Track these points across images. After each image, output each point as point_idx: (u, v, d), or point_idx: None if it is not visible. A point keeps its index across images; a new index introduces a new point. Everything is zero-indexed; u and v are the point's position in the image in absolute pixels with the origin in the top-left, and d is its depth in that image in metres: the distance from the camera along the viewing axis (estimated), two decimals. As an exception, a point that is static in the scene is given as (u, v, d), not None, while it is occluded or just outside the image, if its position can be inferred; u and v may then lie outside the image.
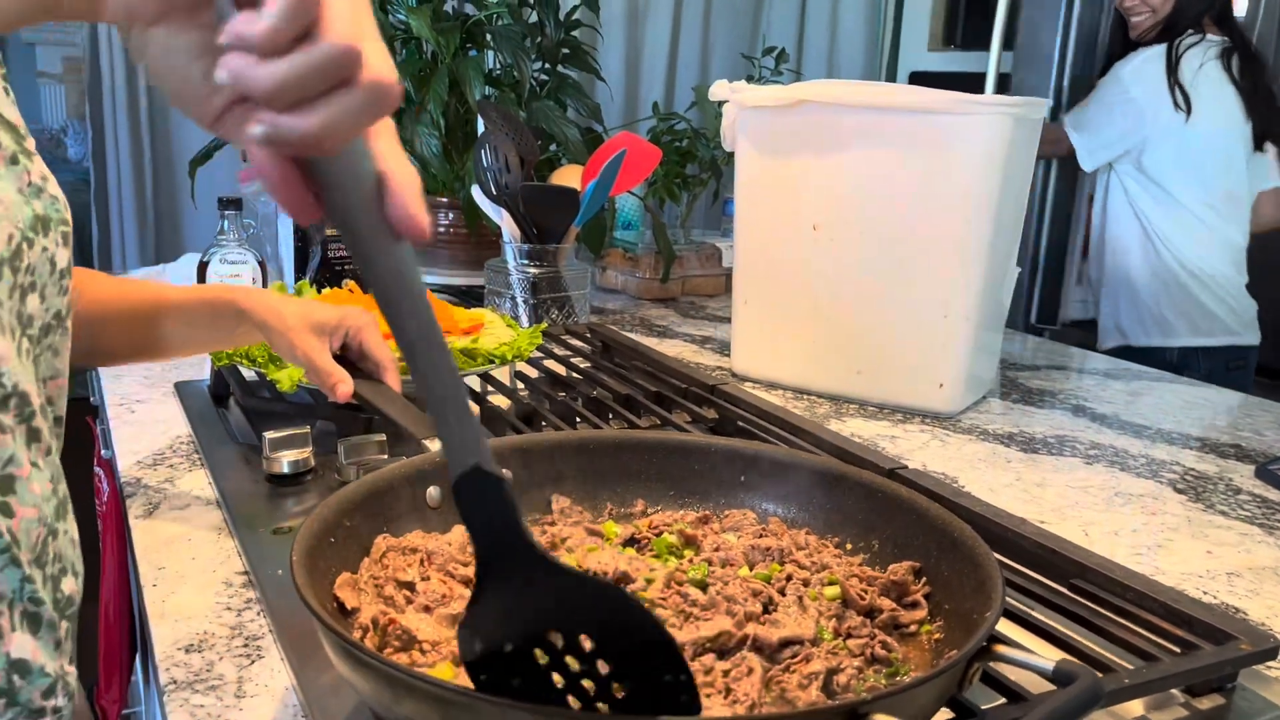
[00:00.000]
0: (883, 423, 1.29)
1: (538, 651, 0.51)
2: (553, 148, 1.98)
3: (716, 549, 0.73)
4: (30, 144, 0.72)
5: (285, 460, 0.97)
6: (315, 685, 0.65)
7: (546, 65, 2.09)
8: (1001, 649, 0.57)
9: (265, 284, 1.56)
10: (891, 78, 3.58)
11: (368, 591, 0.65)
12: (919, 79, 3.55)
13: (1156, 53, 2.13)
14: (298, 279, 1.67)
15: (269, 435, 0.98)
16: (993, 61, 2.01)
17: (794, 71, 3.02)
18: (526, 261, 1.59)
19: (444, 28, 1.87)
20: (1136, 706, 0.67)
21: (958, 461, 1.16)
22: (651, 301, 2.00)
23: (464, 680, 0.56)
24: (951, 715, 0.59)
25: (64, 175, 1.98)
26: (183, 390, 1.25)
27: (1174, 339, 2.20)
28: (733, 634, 0.61)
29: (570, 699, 0.51)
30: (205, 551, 0.86)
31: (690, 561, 0.71)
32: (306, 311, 0.93)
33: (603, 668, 0.50)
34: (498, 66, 2.07)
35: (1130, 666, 0.66)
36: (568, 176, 1.70)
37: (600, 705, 0.51)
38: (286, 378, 1.03)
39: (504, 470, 0.50)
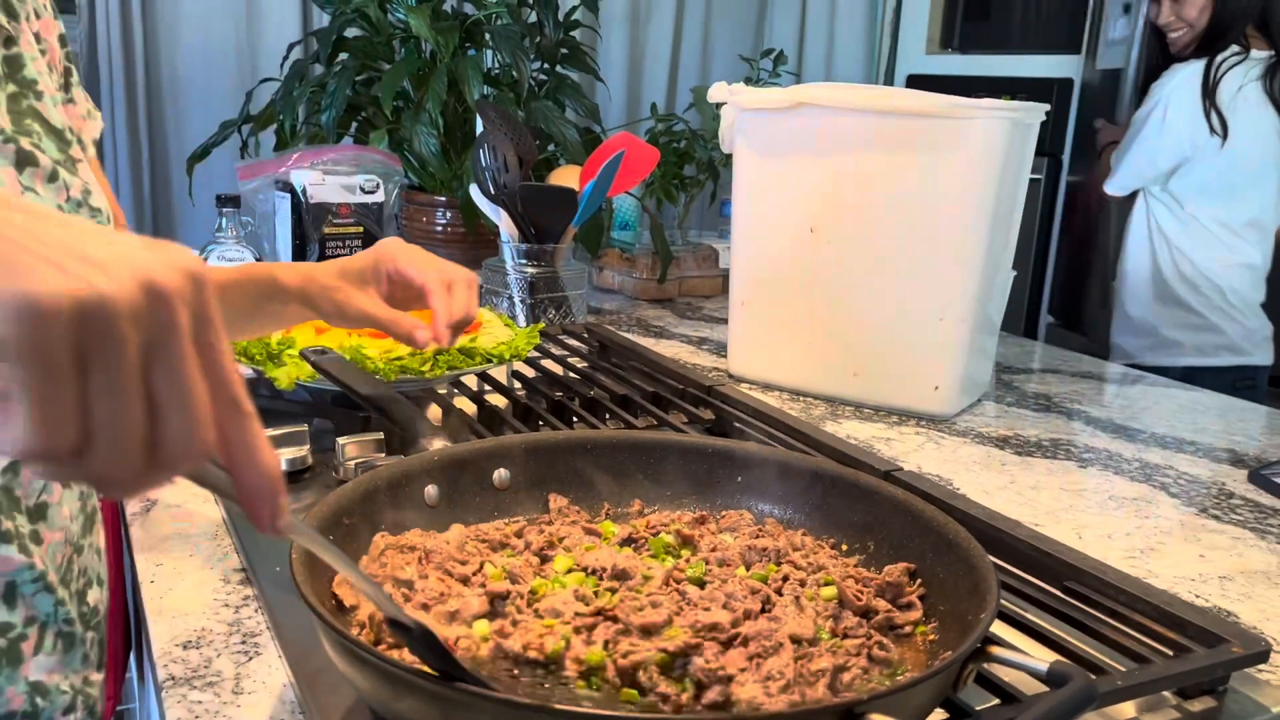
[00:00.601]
0: (878, 425, 1.30)
1: None
2: (551, 148, 1.98)
3: (713, 549, 0.73)
4: (77, 151, 0.72)
5: (283, 458, 0.97)
6: (313, 682, 0.66)
7: (545, 65, 2.10)
8: (996, 650, 0.57)
9: (263, 282, 1.57)
10: (889, 81, 3.59)
11: (366, 589, 0.66)
12: (916, 82, 3.56)
13: (1194, 71, 2.06)
14: (295, 277, 1.67)
15: (267, 433, 0.97)
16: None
17: (793, 74, 3.02)
18: (524, 261, 1.60)
19: (443, 27, 1.88)
20: (1129, 708, 0.68)
21: (953, 464, 1.17)
22: (648, 302, 2.00)
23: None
24: (946, 716, 0.59)
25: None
26: (180, 387, 1.25)
27: (1180, 359, 2.18)
28: (729, 630, 0.61)
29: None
30: (203, 548, 0.86)
31: (687, 561, 0.72)
32: (339, 266, 0.88)
33: None
34: (496, 66, 2.07)
35: (1123, 668, 0.66)
36: (566, 177, 1.70)
37: None
38: (285, 375, 1.03)
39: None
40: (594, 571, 0.69)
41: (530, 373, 1.28)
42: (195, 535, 0.88)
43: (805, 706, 0.55)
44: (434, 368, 1.09)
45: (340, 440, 0.96)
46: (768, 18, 3.31)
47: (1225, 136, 2.04)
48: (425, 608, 0.64)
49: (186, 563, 0.84)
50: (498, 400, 1.17)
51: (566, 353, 1.41)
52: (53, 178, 0.68)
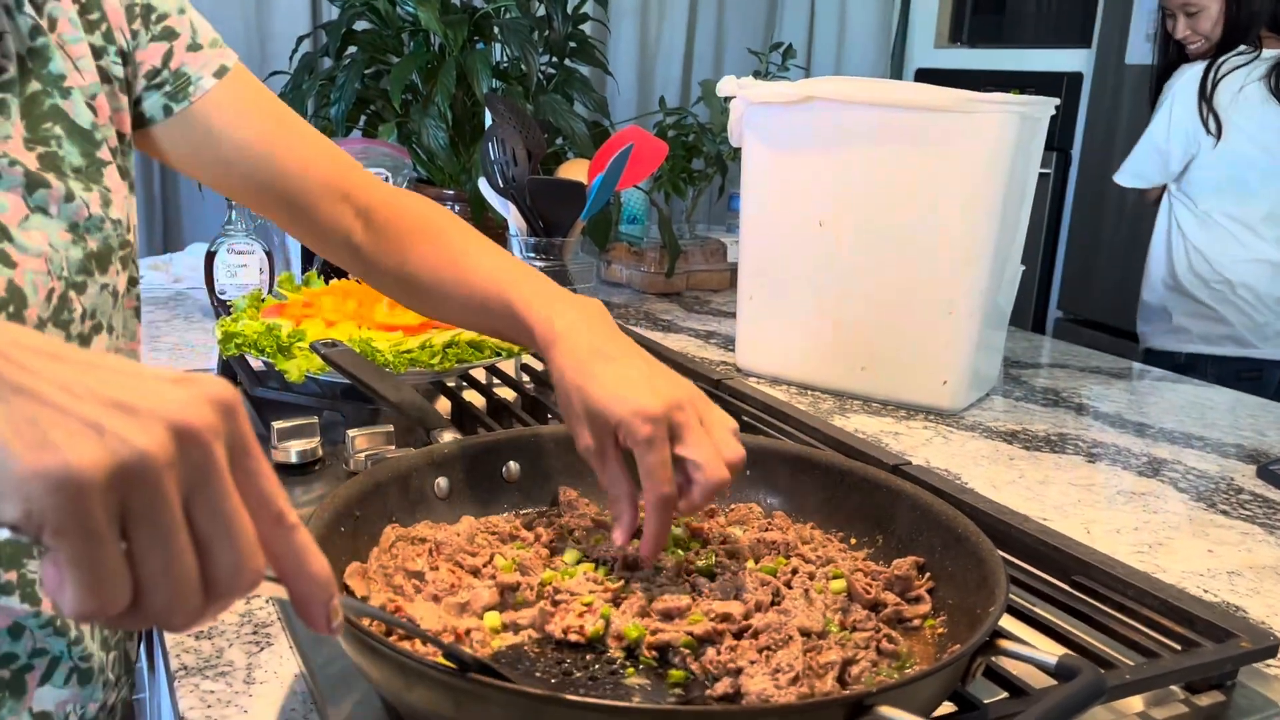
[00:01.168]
0: (886, 419, 1.30)
1: None
2: (559, 142, 1.98)
3: (722, 542, 0.73)
4: (104, 153, 0.69)
5: (293, 450, 0.98)
6: (324, 672, 0.66)
7: (554, 59, 2.10)
8: (1005, 643, 0.57)
9: (272, 275, 1.57)
10: (899, 75, 3.58)
11: (377, 580, 0.66)
12: (925, 76, 3.55)
13: (1199, 71, 2.10)
14: (305, 270, 1.67)
15: (277, 425, 0.98)
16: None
17: (801, 68, 3.02)
18: (532, 254, 1.60)
19: (452, 20, 1.88)
20: (1136, 703, 0.68)
21: (961, 458, 1.17)
22: (656, 296, 2.00)
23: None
24: (954, 709, 0.60)
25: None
26: (190, 379, 1.25)
27: (1186, 345, 2.21)
28: (740, 621, 0.62)
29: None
30: (214, 539, 0.87)
31: (696, 554, 0.72)
32: (587, 394, 0.67)
33: None
34: (505, 60, 2.07)
35: (1131, 663, 0.66)
36: (574, 170, 1.70)
37: None
38: (295, 368, 1.03)
39: None
40: (604, 562, 0.69)
41: (539, 366, 1.28)
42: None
43: (814, 699, 0.55)
44: (444, 360, 1.10)
45: (350, 432, 0.97)
46: (778, 11, 3.31)
47: (1219, 136, 2.08)
48: (436, 599, 0.65)
49: (198, 554, 0.84)
50: (506, 393, 1.17)
51: (575, 346, 1.41)
52: (69, 198, 0.66)
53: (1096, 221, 3.17)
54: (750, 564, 0.71)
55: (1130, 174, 2.26)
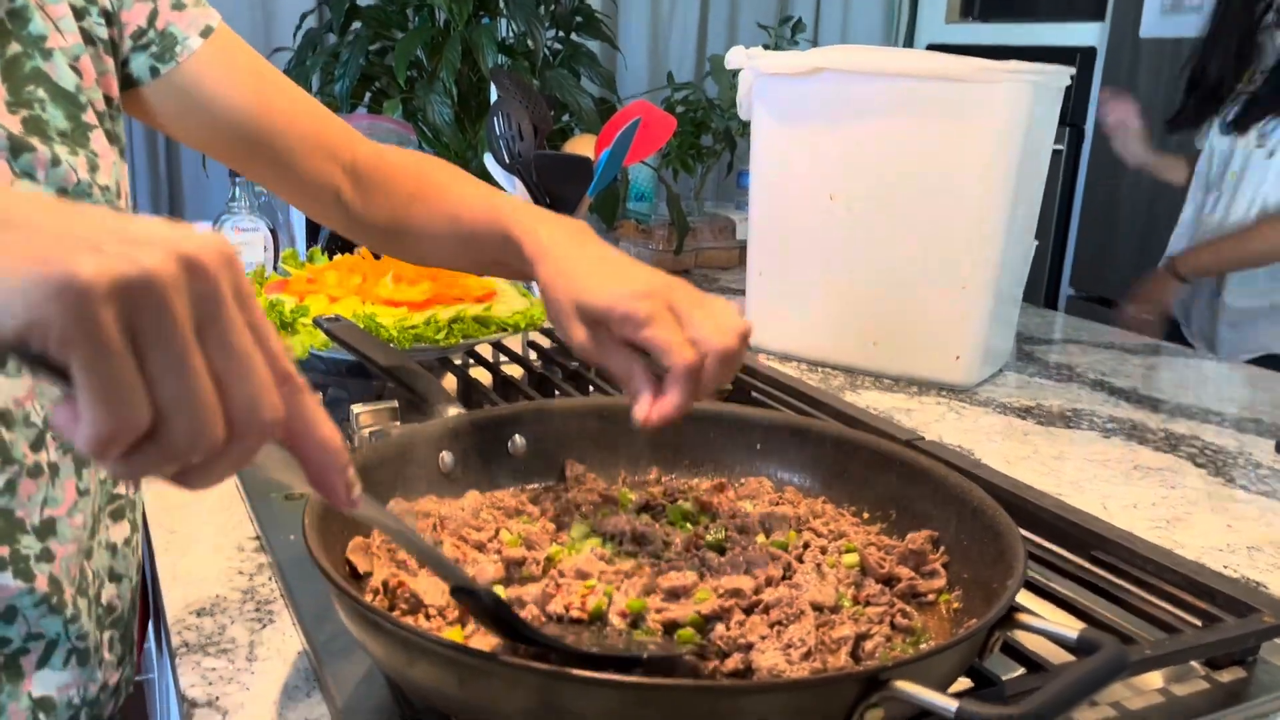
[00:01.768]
0: (898, 395, 1.28)
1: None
2: (566, 117, 1.96)
3: (733, 516, 0.72)
4: (90, 116, 0.68)
5: (297, 426, 0.96)
6: (327, 649, 0.65)
7: (560, 33, 2.08)
8: (1024, 618, 0.56)
9: (276, 253, 1.56)
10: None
11: (380, 556, 0.65)
12: (936, 51, 3.51)
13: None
14: (309, 247, 1.66)
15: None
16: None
17: (810, 42, 2.99)
18: (539, 231, 1.58)
19: (457, -6, 1.86)
20: (1156, 678, 0.67)
21: (974, 434, 1.15)
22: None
23: (473, 644, 0.56)
24: (970, 684, 0.58)
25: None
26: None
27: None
28: (750, 596, 0.60)
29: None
30: (217, 517, 0.86)
31: (706, 528, 0.71)
32: (576, 289, 0.67)
33: None
34: (511, 34, 2.05)
35: (1151, 638, 0.65)
36: (581, 146, 1.68)
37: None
38: (298, 343, 1.02)
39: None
40: (612, 537, 0.68)
41: (546, 342, 1.27)
42: (209, 503, 0.88)
43: (827, 674, 0.54)
44: (449, 336, 1.08)
45: (355, 408, 0.95)
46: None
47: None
48: (441, 574, 0.64)
49: (200, 530, 0.83)
50: (513, 370, 1.16)
51: (582, 322, 1.39)
52: (55, 162, 0.65)
53: (1110, 199, 3.13)
54: (761, 539, 0.70)
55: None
